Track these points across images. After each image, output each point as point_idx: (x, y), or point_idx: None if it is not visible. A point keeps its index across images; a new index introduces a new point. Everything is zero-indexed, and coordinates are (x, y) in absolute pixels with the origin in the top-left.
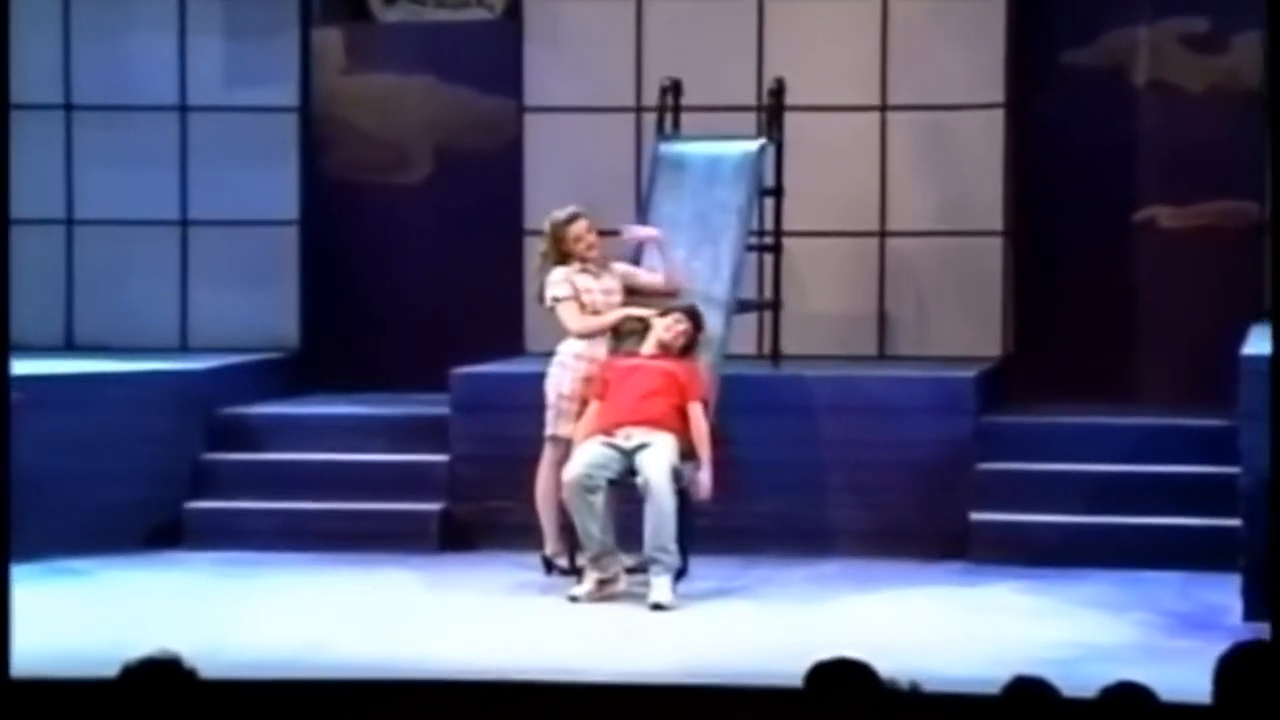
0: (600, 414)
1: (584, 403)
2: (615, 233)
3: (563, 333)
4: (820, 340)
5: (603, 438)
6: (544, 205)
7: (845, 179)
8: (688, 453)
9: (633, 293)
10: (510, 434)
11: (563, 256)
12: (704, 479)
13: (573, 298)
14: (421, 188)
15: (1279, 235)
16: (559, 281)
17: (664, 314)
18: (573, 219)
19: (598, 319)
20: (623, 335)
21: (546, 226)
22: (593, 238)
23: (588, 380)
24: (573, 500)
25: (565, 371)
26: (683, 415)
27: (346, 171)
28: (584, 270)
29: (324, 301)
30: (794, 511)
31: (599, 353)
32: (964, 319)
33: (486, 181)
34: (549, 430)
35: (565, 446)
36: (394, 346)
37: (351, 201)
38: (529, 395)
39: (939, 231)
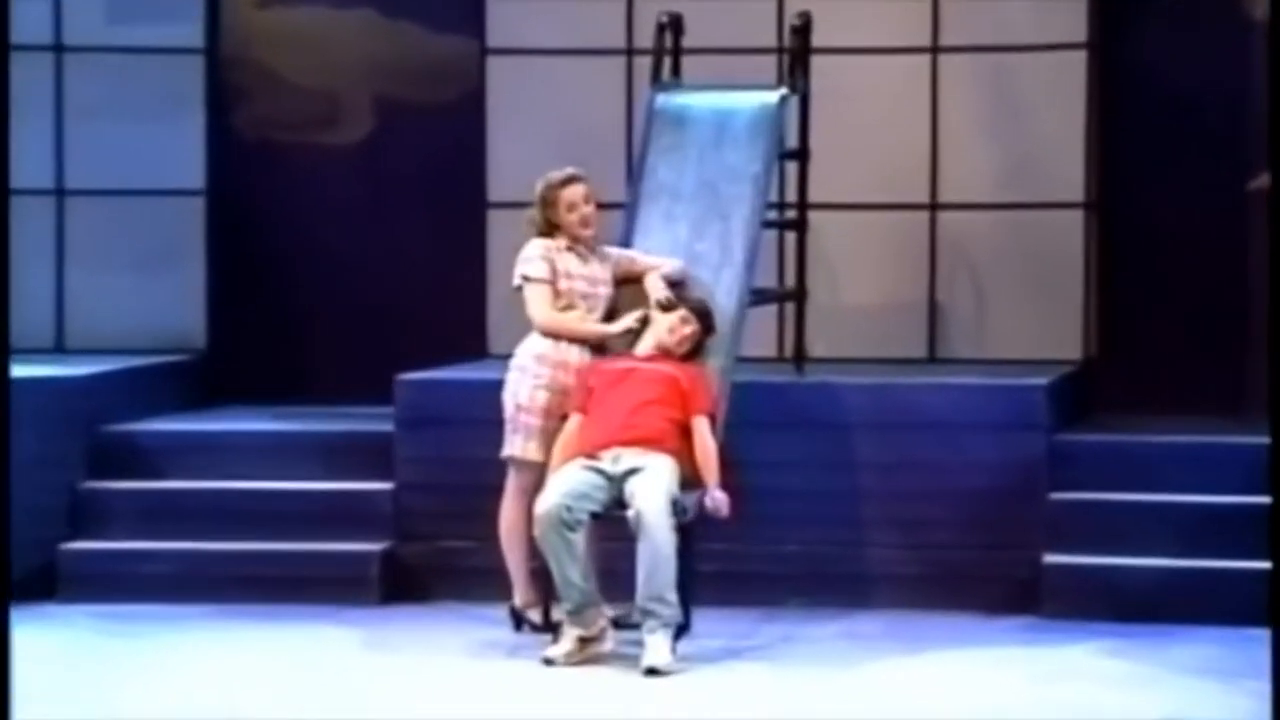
0: (582, 430)
1: (558, 417)
2: (612, 206)
3: (528, 327)
4: (855, 340)
5: (585, 460)
6: (511, 171)
7: (886, 138)
8: (690, 479)
9: (622, 284)
10: (469, 456)
11: (550, 229)
12: (720, 495)
13: (548, 281)
14: (359, 149)
15: (1278, 233)
16: (535, 257)
17: (668, 308)
18: (569, 182)
19: (568, 320)
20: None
21: (538, 188)
22: (589, 210)
23: (552, 389)
24: (547, 539)
25: (524, 377)
26: (684, 432)
27: (265, 129)
28: (571, 249)
29: (237, 291)
30: (822, 552)
31: (569, 356)
32: (1035, 313)
33: (440, 142)
34: (505, 451)
35: (535, 471)
36: (325, 347)
37: (271, 166)
38: (492, 408)
39: (1004, 204)
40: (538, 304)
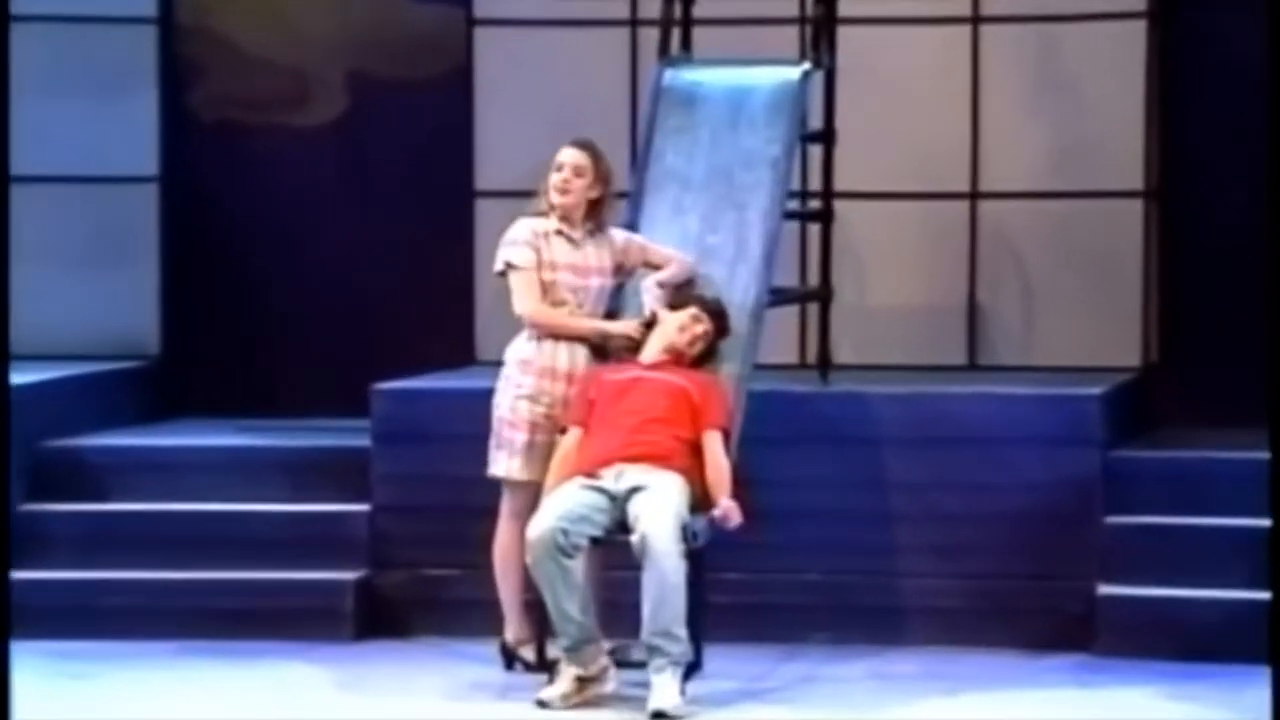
0: (582, 446)
1: (548, 431)
2: (615, 195)
3: (516, 327)
4: (886, 344)
5: (584, 479)
6: (501, 156)
7: (922, 119)
8: (700, 501)
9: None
10: (453, 475)
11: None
12: (729, 503)
13: (532, 268)
14: (331, 131)
15: (1277, 234)
16: (520, 242)
17: (677, 306)
18: (570, 144)
19: (557, 315)
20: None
21: None
22: (569, 176)
23: (536, 399)
24: (541, 567)
25: (507, 386)
26: (695, 450)
27: (226, 108)
28: (560, 232)
29: (195, 290)
30: (849, 583)
31: (556, 360)
32: (1088, 315)
33: (423, 123)
34: (489, 469)
35: (527, 492)
36: (293, 353)
37: (233, 150)
38: (479, 421)
39: (1054, 193)
40: (522, 292)
